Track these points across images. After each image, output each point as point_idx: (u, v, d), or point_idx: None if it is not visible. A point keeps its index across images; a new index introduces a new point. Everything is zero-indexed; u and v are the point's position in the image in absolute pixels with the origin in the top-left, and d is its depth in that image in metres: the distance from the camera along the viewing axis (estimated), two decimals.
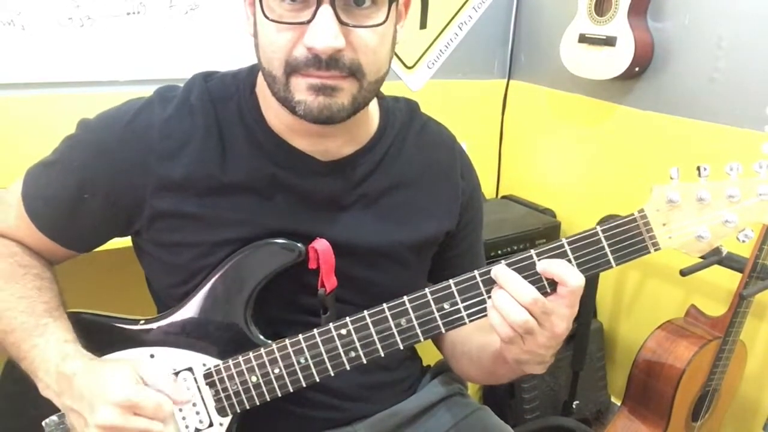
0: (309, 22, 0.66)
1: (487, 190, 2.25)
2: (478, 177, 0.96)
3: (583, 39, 1.75)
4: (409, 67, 1.95)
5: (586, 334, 1.71)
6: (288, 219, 0.80)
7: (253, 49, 0.77)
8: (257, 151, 0.79)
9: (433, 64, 2.02)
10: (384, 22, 0.69)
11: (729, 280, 1.51)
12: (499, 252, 1.82)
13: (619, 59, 1.66)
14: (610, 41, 1.67)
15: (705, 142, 1.60)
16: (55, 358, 0.73)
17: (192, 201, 0.78)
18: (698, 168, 0.67)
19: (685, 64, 1.62)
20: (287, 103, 0.72)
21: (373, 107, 0.85)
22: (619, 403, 1.68)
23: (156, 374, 0.74)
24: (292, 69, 0.69)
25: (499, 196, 2.25)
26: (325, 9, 0.65)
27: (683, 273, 1.38)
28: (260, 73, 0.78)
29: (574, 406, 1.79)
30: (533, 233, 1.90)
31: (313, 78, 0.69)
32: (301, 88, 0.70)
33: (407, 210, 0.86)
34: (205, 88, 0.81)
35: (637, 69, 1.68)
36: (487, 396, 1.90)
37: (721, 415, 1.63)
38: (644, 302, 1.85)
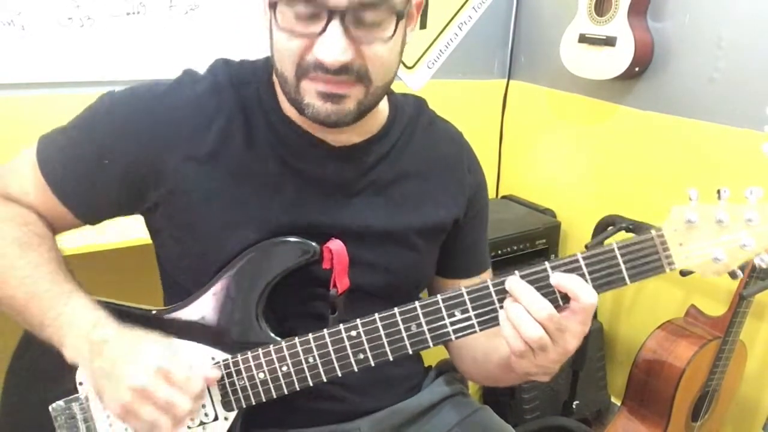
0: (320, 34, 0.69)
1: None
2: (484, 175, 0.98)
3: (583, 39, 1.75)
4: (409, 67, 1.95)
5: (585, 335, 1.70)
6: (301, 203, 0.81)
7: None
8: (274, 136, 0.81)
9: (433, 64, 2.02)
10: (391, 36, 0.72)
11: (729, 280, 1.50)
12: (500, 252, 1.82)
13: (619, 59, 1.66)
14: (610, 41, 1.68)
15: (705, 142, 1.60)
16: (85, 325, 0.74)
17: (215, 176, 0.79)
18: (718, 191, 0.66)
19: (685, 64, 1.63)
20: (296, 104, 0.75)
21: (383, 101, 0.87)
22: (619, 403, 1.68)
23: (190, 356, 0.75)
24: (302, 73, 0.72)
25: (499, 196, 2.25)
26: (335, 24, 0.68)
27: (683, 273, 1.37)
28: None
29: (574, 406, 1.79)
30: (533, 233, 1.90)
31: (322, 85, 0.71)
32: (310, 92, 0.72)
33: (415, 198, 0.87)
34: (228, 72, 0.83)
35: (637, 69, 1.68)
36: (487, 396, 1.90)
37: (721, 415, 1.63)
38: (644, 302, 1.85)
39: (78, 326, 0.74)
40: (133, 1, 1.52)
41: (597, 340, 1.88)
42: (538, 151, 2.14)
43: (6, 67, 1.42)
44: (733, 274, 0.67)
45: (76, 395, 0.80)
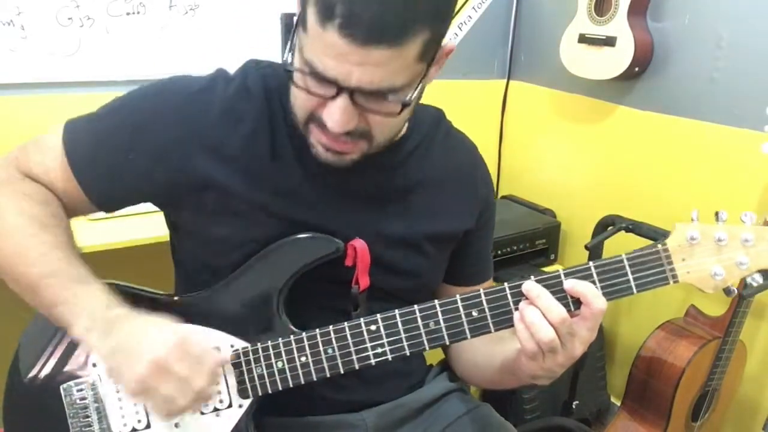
0: (330, 98, 0.70)
1: None
2: (494, 187, 1.00)
3: (582, 39, 1.76)
4: None
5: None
6: (321, 208, 0.83)
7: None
8: (297, 145, 0.82)
9: None
10: (399, 113, 0.71)
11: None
12: (500, 252, 1.82)
13: (618, 59, 1.66)
14: (609, 41, 1.68)
15: (705, 142, 1.60)
16: (100, 305, 0.74)
17: (238, 177, 0.81)
18: (716, 213, 0.72)
19: (685, 64, 1.63)
20: (303, 139, 0.78)
21: None
22: (619, 403, 1.68)
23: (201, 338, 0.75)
24: (311, 120, 0.75)
25: (499, 196, 2.25)
26: (343, 98, 0.69)
27: None
28: None
29: (573, 406, 1.79)
30: (533, 233, 1.90)
31: (325, 139, 0.74)
32: (316, 136, 0.75)
33: (430, 206, 0.89)
34: (258, 75, 0.84)
35: (636, 69, 1.68)
36: (486, 395, 1.89)
37: (720, 415, 1.63)
38: (644, 302, 1.85)
39: (93, 305, 0.74)
40: (133, 1, 1.52)
41: (597, 340, 1.88)
42: (538, 151, 2.14)
43: (6, 67, 1.43)
44: (728, 291, 0.73)
45: (88, 377, 0.81)
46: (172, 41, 1.58)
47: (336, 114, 0.70)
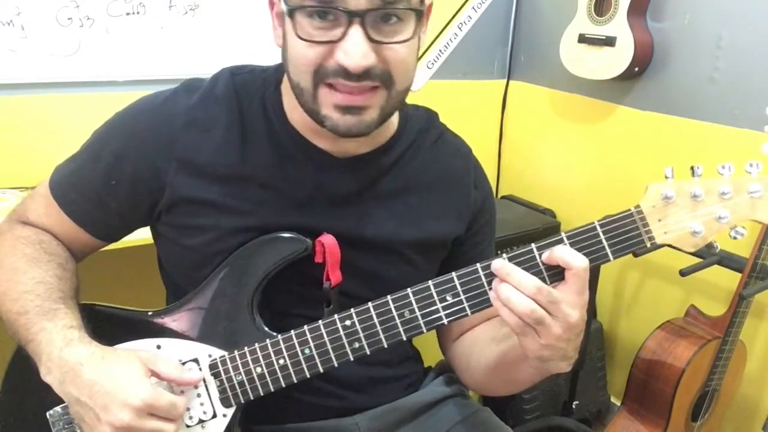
0: (339, 40, 0.68)
1: None
2: (492, 189, 0.98)
3: (582, 39, 1.76)
4: None
5: (586, 334, 1.71)
6: (300, 212, 0.82)
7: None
8: (276, 145, 0.82)
9: (432, 64, 2.02)
10: (411, 37, 0.72)
11: (728, 280, 1.51)
12: (499, 252, 1.81)
13: (618, 59, 1.66)
14: (609, 41, 1.68)
15: (705, 142, 1.60)
16: (59, 342, 0.73)
17: (210, 188, 0.80)
18: (692, 168, 0.69)
19: (684, 64, 1.63)
20: (314, 115, 0.74)
21: None
22: (618, 403, 1.68)
23: (166, 366, 0.75)
24: (320, 79, 0.71)
25: (499, 196, 2.25)
26: (356, 28, 0.67)
27: (683, 273, 1.38)
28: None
29: (573, 406, 1.79)
30: (533, 233, 1.90)
31: (339, 97, 0.71)
32: (327, 103, 0.72)
33: (416, 212, 0.87)
34: (231, 81, 0.83)
35: (636, 69, 1.68)
36: (486, 395, 1.89)
37: (720, 415, 1.63)
38: (644, 302, 1.85)
39: (52, 343, 0.73)
40: (133, 1, 1.52)
41: (597, 340, 1.88)
42: (537, 151, 2.14)
43: (6, 67, 1.43)
44: (710, 247, 0.69)
45: None
46: (172, 41, 1.58)
47: (351, 46, 0.67)
